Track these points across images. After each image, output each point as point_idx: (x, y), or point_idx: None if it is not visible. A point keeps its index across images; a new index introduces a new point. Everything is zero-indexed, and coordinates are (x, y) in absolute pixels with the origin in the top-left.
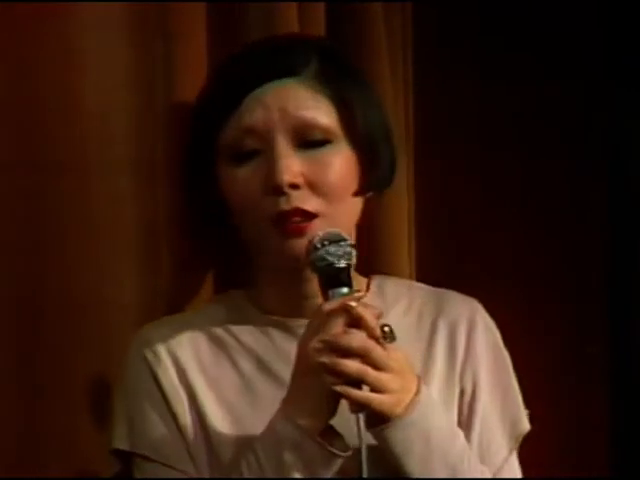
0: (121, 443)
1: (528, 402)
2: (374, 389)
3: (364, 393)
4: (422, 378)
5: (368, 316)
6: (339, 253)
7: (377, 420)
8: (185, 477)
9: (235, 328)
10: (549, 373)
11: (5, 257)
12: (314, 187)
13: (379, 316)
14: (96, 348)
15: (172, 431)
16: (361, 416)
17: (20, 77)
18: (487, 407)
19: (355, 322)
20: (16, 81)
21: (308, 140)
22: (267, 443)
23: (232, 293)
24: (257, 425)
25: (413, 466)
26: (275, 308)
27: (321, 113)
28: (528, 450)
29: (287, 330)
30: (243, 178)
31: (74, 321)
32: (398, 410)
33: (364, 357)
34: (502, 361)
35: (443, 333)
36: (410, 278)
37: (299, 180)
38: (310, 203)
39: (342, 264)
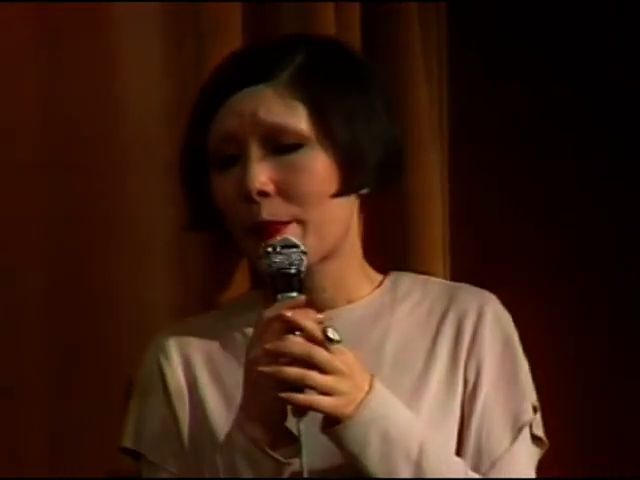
0: (127, 441)
1: (560, 401)
2: (321, 392)
3: (306, 396)
4: (422, 375)
5: (306, 322)
6: (289, 259)
7: (332, 422)
8: (175, 478)
9: (248, 327)
10: (582, 372)
11: (40, 257)
12: (286, 193)
13: (319, 320)
14: (130, 347)
15: (170, 433)
16: (303, 420)
17: (56, 78)
18: (489, 396)
19: (296, 328)
20: (52, 83)
21: (280, 145)
22: (224, 450)
23: (252, 293)
24: None
25: (373, 465)
26: None
27: (292, 117)
28: (560, 449)
29: None
30: (223, 185)
31: (109, 320)
32: (348, 410)
33: (307, 362)
34: (510, 352)
35: (451, 324)
36: (445, 278)
37: (269, 188)
38: (282, 211)
39: (292, 270)
